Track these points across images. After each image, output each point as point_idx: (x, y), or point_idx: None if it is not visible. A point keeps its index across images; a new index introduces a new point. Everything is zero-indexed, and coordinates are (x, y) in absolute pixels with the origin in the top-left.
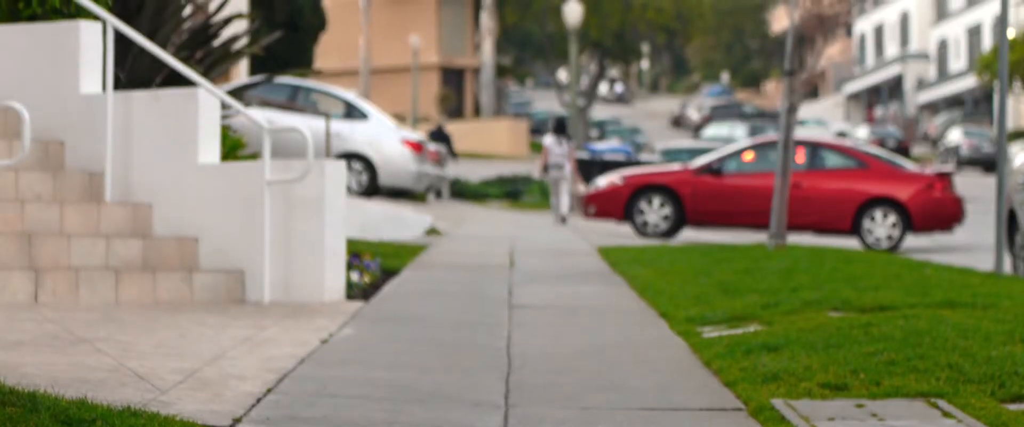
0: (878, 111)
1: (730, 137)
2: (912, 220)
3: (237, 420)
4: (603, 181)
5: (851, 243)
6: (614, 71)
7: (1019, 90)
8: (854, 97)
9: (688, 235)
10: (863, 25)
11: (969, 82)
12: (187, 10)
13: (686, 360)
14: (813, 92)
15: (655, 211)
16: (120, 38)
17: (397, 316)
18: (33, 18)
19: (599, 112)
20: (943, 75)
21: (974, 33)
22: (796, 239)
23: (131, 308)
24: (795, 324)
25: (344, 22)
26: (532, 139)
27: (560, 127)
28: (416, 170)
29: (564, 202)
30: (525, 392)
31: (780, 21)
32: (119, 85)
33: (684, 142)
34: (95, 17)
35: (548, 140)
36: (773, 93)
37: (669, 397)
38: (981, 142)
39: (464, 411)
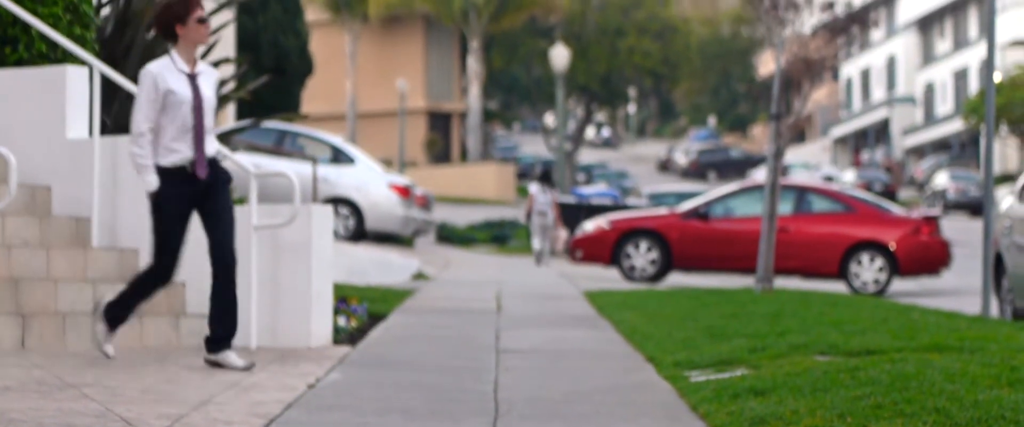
0: (865, 155)
1: None
2: (899, 264)
3: None
4: (590, 225)
5: (838, 287)
6: (601, 115)
7: (1005, 134)
8: (841, 141)
9: (675, 279)
10: (850, 69)
11: (956, 126)
12: None
13: (673, 405)
14: (800, 136)
15: (642, 255)
16: (107, 83)
17: (384, 361)
18: (20, 63)
19: (586, 156)
20: (930, 119)
21: (960, 77)
22: (783, 283)
23: (118, 353)
24: (782, 368)
25: (331, 67)
26: (519, 184)
27: (545, 176)
28: (403, 215)
29: (546, 245)
30: None
31: (767, 65)
32: (106, 130)
33: (671, 186)
34: (82, 62)
35: (533, 188)
36: (760, 137)
37: None
38: (968, 186)
39: None
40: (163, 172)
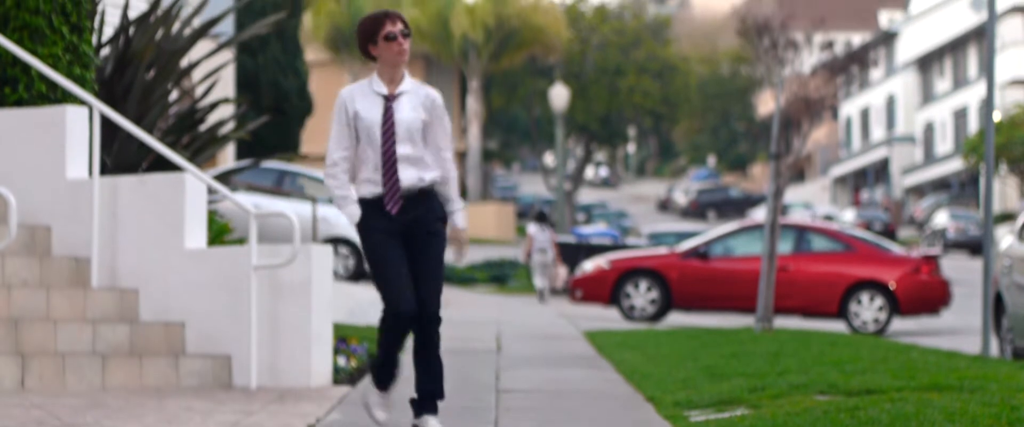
0: (864, 194)
1: None
2: (899, 303)
3: None
4: (590, 265)
5: (838, 326)
6: (600, 155)
7: (1005, 173)
8: (840, 180)
9: (675, 319)
10: (849, 108)
11: (955, 165)
12: (173, 95)
13: None
14: (800, 175)
15: (642, 295)
16: (107, 123)
17: None
18: (20, 103)
19: (586, 196)
20: (929, 158)
21: (960, 116)
22: (783, 323)
23: (118, 393)
24: (782, 408)
25: (330, 107)
26: (519, 223)
27: (541, 216)
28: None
29: (547, 283)
30: None
31: (766, 105)
32: (106, 170)
33: (671, 225)
34: (82, 102)
35: (532, 228)
36: (760, 176)
37: None
38: (967, 225)
39: None
40: (364, 203)
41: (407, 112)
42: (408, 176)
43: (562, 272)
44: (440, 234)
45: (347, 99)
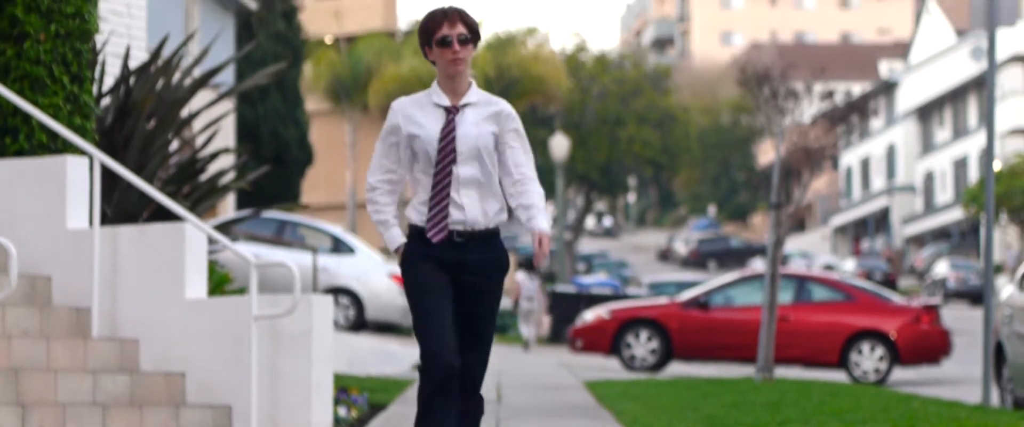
0: (865, 244)
1: None
2: (899, 353)
3: None
4: (590, 315)
5: (839, 376)
6: (601, 205)
7: (1005, 222)
8: (841, 230)
9: (676, 369)
10: (849, 158)
11: (956, 214)
12: (174, 145)
13: None
14: (800, 225)
15: (642, 345)
16: (107, 173)
17: None
18: (20, 153)
19: (586, 246)
20: (929, 208)
21: (960, 166)
22: (783, 372)
23: None
24: None
25: (331, 156)
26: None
27: (529, 265)
28: (403, 304)
29: (532, 331)
30: None
31: (766, 154)
32: (106, 220)
33: (671, 275)
34: (82, 152)
35: (520, 276)
36: (760, 226)
37: None
38: (968, 275)
39: None
40: (413, 231)
41: (472, 127)
42: (469, 205)
43: (546, 321)
44: (495, 291)
45: (400, 113)
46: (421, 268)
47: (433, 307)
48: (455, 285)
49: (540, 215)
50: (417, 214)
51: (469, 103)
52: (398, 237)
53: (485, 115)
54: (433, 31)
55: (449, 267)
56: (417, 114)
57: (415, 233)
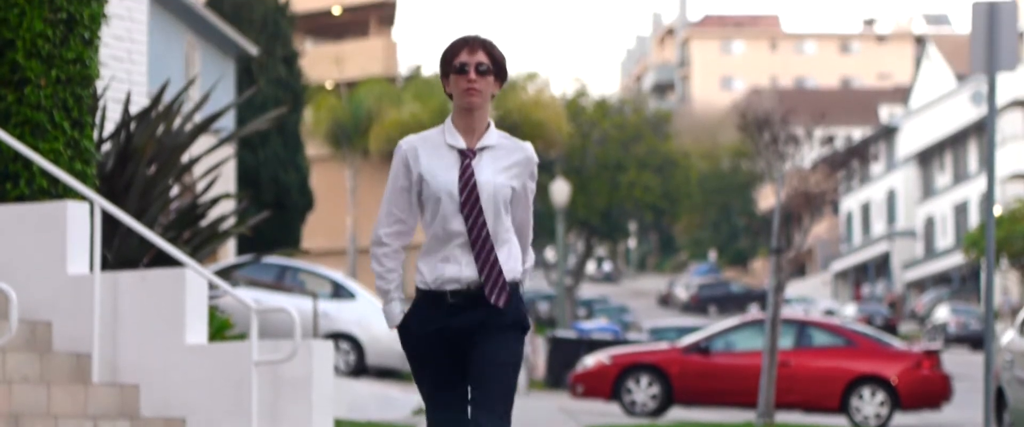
0: (865, 289)
1: None
2: (900, 398)
3: None
4: (591, 360)
5: (840, 422)
6: (602, 250)
7: (1006, 267)
8: (841, 275)
9: (676, 414)
10: (850, 203)
11: (956, 259)
12: (175, 190)
13: None
14: (800, 270)
15: (643, 390)
16: (108, 218)
17: None
18: (21, 199)
19: (587, 291)
20: (930, 253)
21: (960, 210)
22: (784, 418)
23: None
24: None
25: (331, 201)
26: None
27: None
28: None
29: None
30: None
31: (767, 199)
32: (106, 265)
33: (672, 320)
34: (83, 198)
35: None
36: (760, 271)
37: None
38: (968, 319)
39: None
40: (419, 298)
41: (490, 174)
42: (506, 263)
43: (540, 364)
44: (511, 344)
45: (409, 153)
46: (427, 346)
47: (442, 392)
48: (468, 346)
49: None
50: (427, 271)
51: (487, 147)
52: (396, 313)
53: (506, 164)
54: (452, 58)
55: (458, 336)
56: (430, 156)
57: (421, 299)
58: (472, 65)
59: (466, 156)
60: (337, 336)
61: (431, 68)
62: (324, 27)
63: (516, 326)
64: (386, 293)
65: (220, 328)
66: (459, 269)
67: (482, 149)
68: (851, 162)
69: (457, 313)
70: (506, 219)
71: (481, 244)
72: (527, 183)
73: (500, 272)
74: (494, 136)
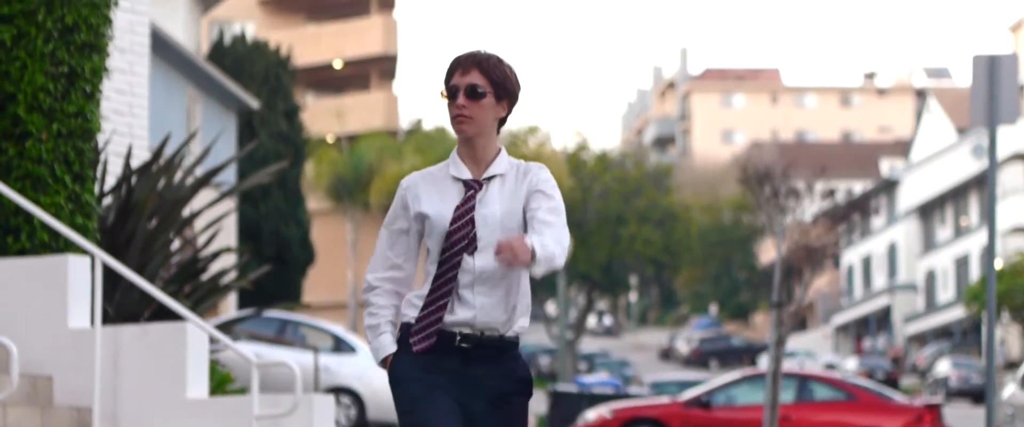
0: (866, 342)
1: None
2: None
3: None
4: (592, 414)
5: None
6: (602, 304)
7: (1007, 321)
8: (842, 328)
9: None
10: (851, 257)
11: (957, 313)
12: (176, 244)
13: None
14: (801, 324)
15: None
16: (109, 272)
17: None
18: (22, 252)
19: (588, 345)
20: (931, 306)
21: (961, 264)
22: None
23: None
24: None
25: (332, 255)
26: None
27: None
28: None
29: None
30: None
31: (768, 253)
32: (108, 319)
33: (673, 374)
34: (84, 252)
35: None
36: (762, 325)
37: None
38: (970, 373)
39: None
40: (404, 334)
41: (497, 205)
42: (485, 304)
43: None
44: (519, 412)
45: (408, 192)
46: (418, 384)
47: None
48: (466, 409)
49: (537, 237)
50: (412, 309)
51: (496, 175)
52: (387, 345)
53: (514, 189)
54: (447, 82)
55: (453, 382)
56: (427, 191)
57: (408, 335)
58: (462, 88)
59: (470, 187)
60: (338, 390)
61: (432, 122)
62: (325, 80)
63: (518, 385)
64: (375, 327)
65: (221, 382)
66: (468, 311)
67: (491, 178)
68: (852, 215)
69: (468, 359)
70: None
71: (442, 282)
72: (535, 192)
73: (440, 320)
74: (504, 163)
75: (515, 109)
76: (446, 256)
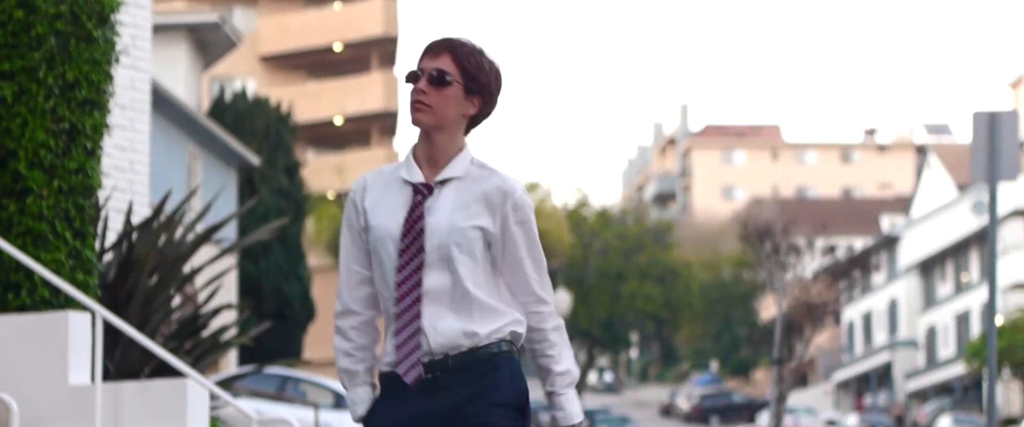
0: (867, 399)
1: None
2: None
3: None
4: None
5: None
6: (603, 360)
7: (1008, 377)
8: (843, 385)
9: None
10: (851, 313)
11: (958, 369)
12: (176, 300)
13: None
14: (802, 380)
15: None
16: (109, 329)
17: None
18: (22, 309)
19: (589, 401)
20: (932, 362)
21: (962, 320)
22: None
23: None
24: None
25: (332, 312)
26: None
27: None
28: None
29: None
30: None
31: (768, 309)
32: (108, 376)
33: None
34: (84, 308)
35: None
36: (763, 382)
37: None
38: None
39: None
40: (383, 385)
41: (447, 214)
42: (444, 328)
43: None
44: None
45: (357, 194)
46: None
47: None
48: None
49: (567, 399)
50: (387, 354)
51: (451, 178)
52: (363, 400)
53: (472, 196)
54: (414, 68)
55: (435, 420)
56: (379, 194)
57: (386, 384)
58: (427, 72)
59: (420, 192)
60: None
61: None
62: (326, 137)
63: (505, 406)
64: (351, 373)
65: None
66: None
67: (443, 182)
68: (852, 272)
69: (429, 394)
70: (472, 271)
71: (406, 306)
72: (508, 225)
73: (417, 347)
74: (461, 165)
75: (491, 113)
76: (404, 275)
